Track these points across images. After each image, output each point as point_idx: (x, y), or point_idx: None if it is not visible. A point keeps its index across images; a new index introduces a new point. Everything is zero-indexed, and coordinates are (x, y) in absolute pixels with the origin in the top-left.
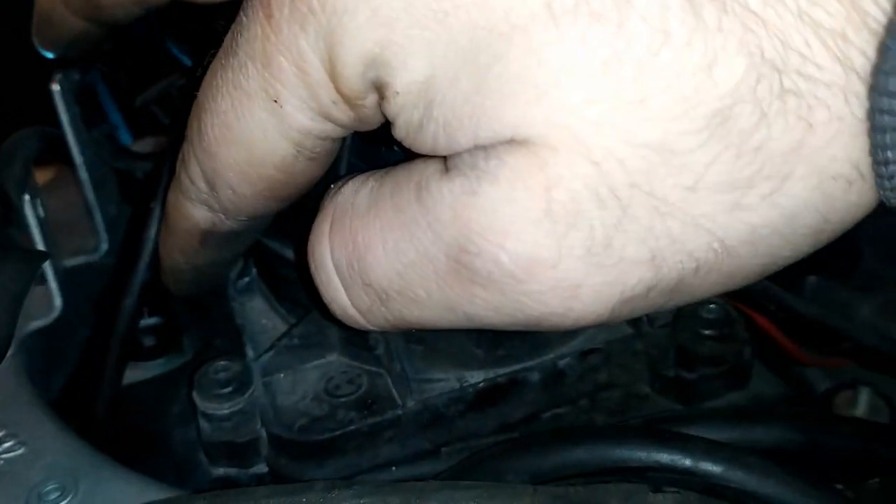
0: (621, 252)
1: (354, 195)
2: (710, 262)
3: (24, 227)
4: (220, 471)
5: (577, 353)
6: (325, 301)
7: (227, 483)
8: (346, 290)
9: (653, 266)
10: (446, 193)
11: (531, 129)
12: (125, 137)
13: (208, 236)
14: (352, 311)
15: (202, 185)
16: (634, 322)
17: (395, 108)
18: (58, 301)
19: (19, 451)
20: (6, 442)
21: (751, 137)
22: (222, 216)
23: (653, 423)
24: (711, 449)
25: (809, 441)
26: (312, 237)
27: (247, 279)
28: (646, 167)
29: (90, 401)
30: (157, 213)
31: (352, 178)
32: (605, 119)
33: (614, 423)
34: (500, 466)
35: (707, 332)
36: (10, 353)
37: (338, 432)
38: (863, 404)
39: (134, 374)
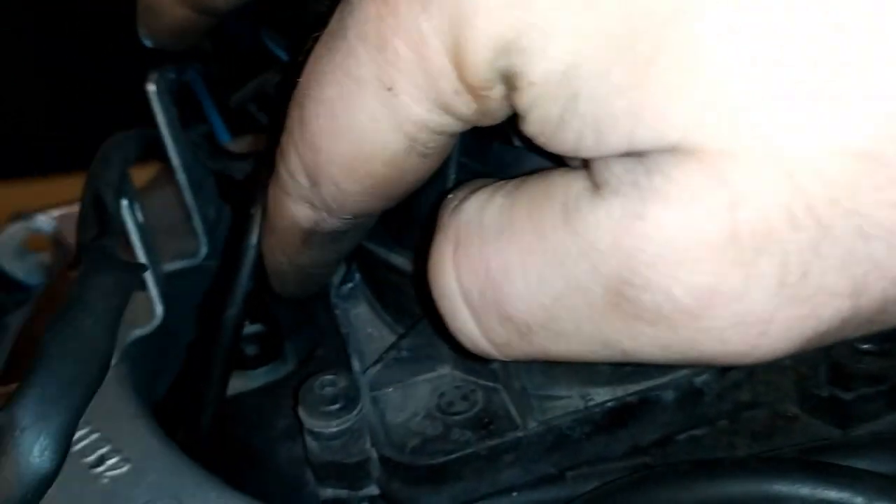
0: (819, 281)
1: (481, 213)
2: None
3: (122, 233)
4: (329, 492)
5: (716, 370)
6: (452, 332)
7: None
8: (477, 322)
9: (854, 296)
10: (603, 217)
11: (705, 132)
12: (223, 136)
13: (310, 235)
14: (484, 344)
15: (303, 180)
16: None
17: (529, 100)
18: (159, 308)
19: (124, 469)
20: (111, 458)
21: None
22: (325, 214)
23: (807, 451)
24: (888, 487)
25: None
26: (434, 261)
27: (350, 285)
28: (849, 179)
29: (195, 414)
30: (257, 218)
31: (474, 190)
32: (800, 121)
33: (762, 450)
34: (633, 500)
35: (865, 346)
36: (112, 362)
37: (454, 455)
38: None
39: (235, 384)
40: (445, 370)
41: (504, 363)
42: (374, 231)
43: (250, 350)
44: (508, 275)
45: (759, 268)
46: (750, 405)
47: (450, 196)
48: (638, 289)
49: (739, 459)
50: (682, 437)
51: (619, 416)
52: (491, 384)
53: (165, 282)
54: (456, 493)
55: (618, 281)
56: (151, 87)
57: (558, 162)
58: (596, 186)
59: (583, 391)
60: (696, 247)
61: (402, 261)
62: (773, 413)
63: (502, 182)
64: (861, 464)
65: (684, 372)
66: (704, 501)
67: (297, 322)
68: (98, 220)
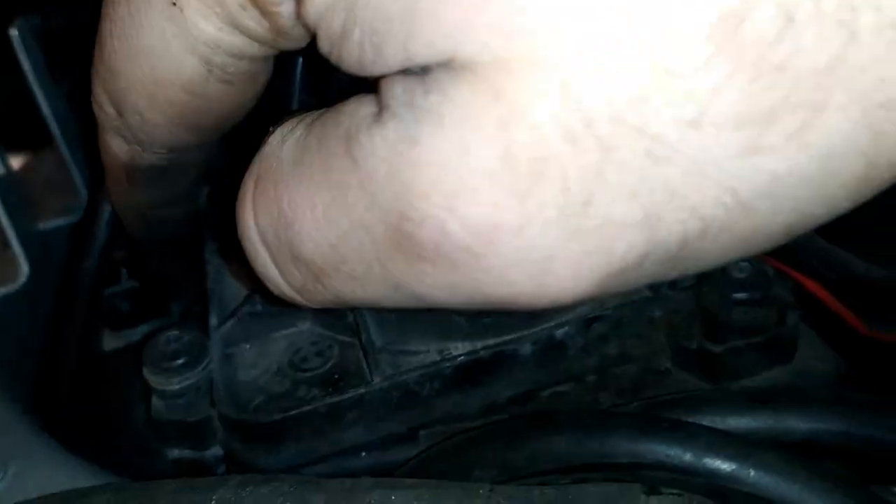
0: (605, 211)
1: (281, 147)
2: (721, 220)
3: None
4: (175, 452)
5: (580, 321)
6: (258, 276)
7: (182, 466)
8: (276, 264)
9: (647, 228)
10: (379, 143)
11: (477, 42)
12: None
13: (132, 172)
14: (286, 289)
15: (110, 109)
16: (651, 284)
17: (314, 14)
18: (24, 267)
19: None
20: None
21: (772, 51)
22: (138, 147)
23: (661, 405)
24: (719, 442)
25: (858, 433)
26: (238, 199)
27: (217, 244)
28: (633, 94)
29: (51, 371)
30: None
31: (282, 122)
32: (576, 28)
33: (618, 405)
34: (466, 457)
35: (738, 295)
36: None
37: (291, 413)
38: None
39: (113, 342)
40: (305, 325)
41: (357, 316)
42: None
43: (125, 307)
44: (297, 213)
45: (537, 196)
46: (619, 360)
47: (269, 129)
48: (415, 224)
49: (572, 413)
50: (545, 393)
51: (472, 372)
52: (348, 339)
53: (39, 240)
54: (294, 453)
55: (396, 216)
56: (14, 32)
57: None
58: (379, 111)
59: (440, 346)
60: (471, 174)
61: None
62: (644, 368)
63: (309, 113)
64: (712, 417)
65: (545, 325)
66: (533, 457)
67: (185, 279)
68: None
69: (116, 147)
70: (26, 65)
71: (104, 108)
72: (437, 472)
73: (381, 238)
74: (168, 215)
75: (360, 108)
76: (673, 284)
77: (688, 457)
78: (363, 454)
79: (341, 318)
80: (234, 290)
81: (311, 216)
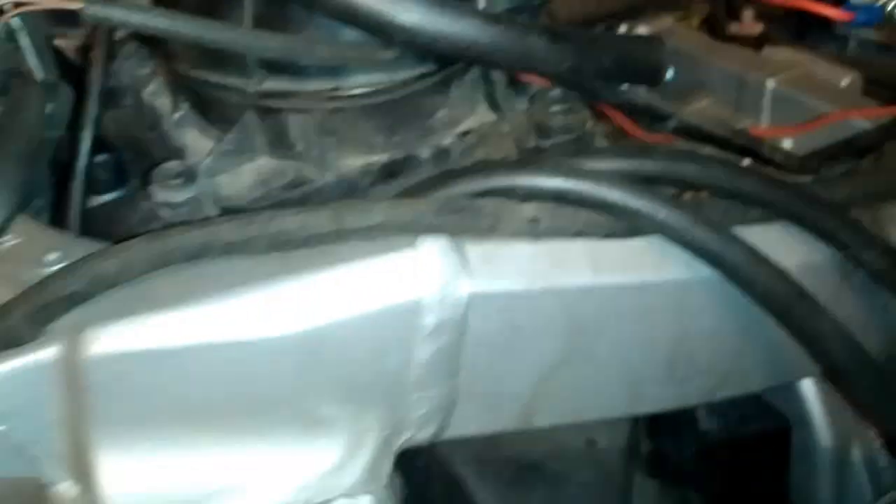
0: None
1: None
2: None
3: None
4: None
5: (458, 135)
6: None
7: None
8: None
9: None
10: None
11: None
12: None
13: None
14: None
15: None
16: (497, 109)
17: None
18: None
19: None
20: None
21: None
22: None
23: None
24: (560, 170)
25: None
26: None
27: (180, 113)
28: None
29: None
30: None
31: None
32: None
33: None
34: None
35: (556, 107)
36: None
37: (277, 199)
38: None
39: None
40: (263, 159)
41: (307, 143)
42: (200, 58)
43: (102, 175)
44: None
45: None
46: (486, 161)
47: None
48: None
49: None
50: None
51: (391, 170)
52: (299, 163)
53: None
54: None
55: None
56: None
57: None
58: None
59: (366, 158)
60: None
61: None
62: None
63: None
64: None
65: (435, 139)
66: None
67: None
68: None
69: None
70: None
71: None
72: None
73: None
74: None
75: None
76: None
77: (540, 180)
78: None
79: (290, 147)
80: (198, 147)
81: None
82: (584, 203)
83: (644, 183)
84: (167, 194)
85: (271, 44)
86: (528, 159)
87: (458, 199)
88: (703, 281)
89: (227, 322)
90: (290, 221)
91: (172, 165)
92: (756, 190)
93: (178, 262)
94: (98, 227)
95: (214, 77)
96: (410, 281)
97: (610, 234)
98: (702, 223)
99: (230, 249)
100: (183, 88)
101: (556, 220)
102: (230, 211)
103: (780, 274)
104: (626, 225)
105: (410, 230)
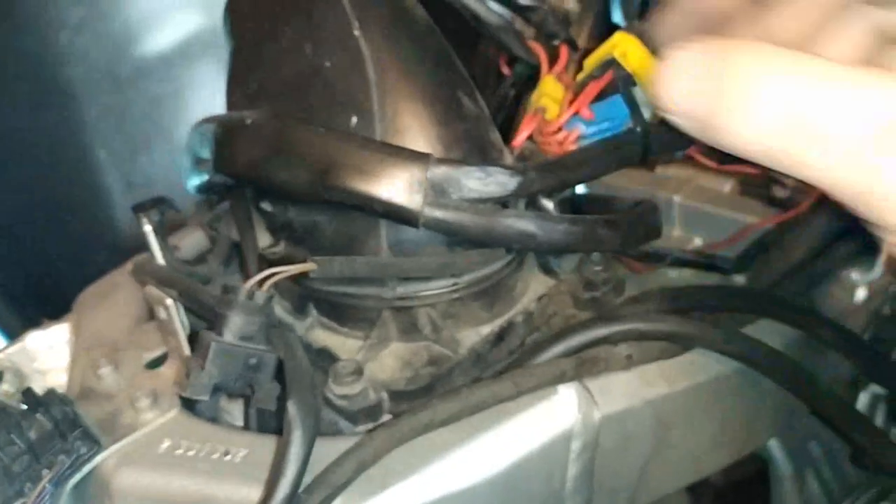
0: None
1: None
2: None
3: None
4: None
5: (535, 300)
6: None
7: None
8: None
9: None
10: None
11: None
12: None
13: None
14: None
15: None
16: (550, 274)
17: None
18: None
19: None
20: None
21: None
22: None
23: None
24: (637, 317)
25: None
26: None
27: (310, 319)
28: None
29: None
30: None
31: None
32: None
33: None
34: None
35: (597, 267)
36: None
37: (428, 376)
38: None
39: None
40: (396, 345)
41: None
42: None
43: None
44: None
45: None
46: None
47: None
48: None
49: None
50: None
51: (498, 337)
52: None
53: None
54: None
55: None
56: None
57: None
58: None
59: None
60: None
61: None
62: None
63: None
64: None
65: (522, 307)
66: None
67: None
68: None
69: None
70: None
71: None
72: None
73: None
74: None
75: None
76: None
77: None
78: None
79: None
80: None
81: None
82: (657, 337)
83: (681, 312)
84: (343, 389)
85: (409, 266)
86: (613, 314)
87: (580, 352)
88: (734, 373)
89: (449, 477)
90: (484, 393)
91: (345, 364)
92: (748, 302)
93: (408, 440)
94: None
95: (351, 290)
96: (562, 418)
97: (674, 354)
98: (729, 335)
99: (446, 422)
100: (316, 300)
101: (641, 352)
102: (394, 393)
103: (782, 356)
104: (681, 346)
105: (556, 382)
